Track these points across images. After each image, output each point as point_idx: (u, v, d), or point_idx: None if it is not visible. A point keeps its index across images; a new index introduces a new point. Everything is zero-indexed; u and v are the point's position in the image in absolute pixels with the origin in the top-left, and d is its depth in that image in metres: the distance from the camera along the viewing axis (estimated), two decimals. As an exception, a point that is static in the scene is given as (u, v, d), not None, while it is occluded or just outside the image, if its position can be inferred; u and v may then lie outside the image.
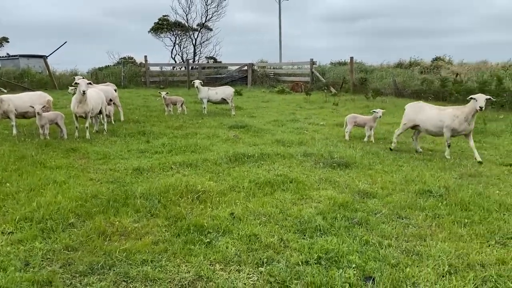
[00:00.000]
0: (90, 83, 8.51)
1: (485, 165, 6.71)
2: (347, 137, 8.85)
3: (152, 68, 26.64)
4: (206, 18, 40.85)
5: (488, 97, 6.90)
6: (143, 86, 25.15)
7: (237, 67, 28.44)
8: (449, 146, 7.30)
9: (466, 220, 4.39)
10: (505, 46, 58.35)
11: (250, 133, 9.47)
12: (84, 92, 8.04)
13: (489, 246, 3.84)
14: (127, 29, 62.00)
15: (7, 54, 30.99)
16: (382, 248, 3.76)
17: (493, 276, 3.27)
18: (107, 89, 10.74)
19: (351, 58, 21.18)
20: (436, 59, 31.86)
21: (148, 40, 59.78)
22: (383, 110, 8.93)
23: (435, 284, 3.18)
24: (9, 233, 3.90)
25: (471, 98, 6.95)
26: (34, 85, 22.93)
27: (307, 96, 17.66)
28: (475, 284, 3.18)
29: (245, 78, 27.78)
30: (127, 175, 5.83)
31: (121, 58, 36.74)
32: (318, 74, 23.44)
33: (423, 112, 7.60)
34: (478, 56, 48.72)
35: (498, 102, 12.54)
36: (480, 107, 6.72)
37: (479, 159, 6.93)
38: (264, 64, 29.82)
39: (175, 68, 31.70)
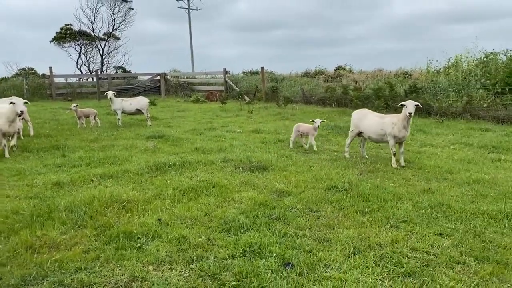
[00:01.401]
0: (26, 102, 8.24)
1: (381, 162, 7.65)
2: (291, 145, 9.14)
3: (57, 80, 25.27)
4: (113, 27, 39.80)
5: (417, 103, 7.22)
6: (48, 98, 23.78)
7: (149, 77, 28.10)
8: (394, 155, 7.40)
9: (366, 209, 5.09)
10: (398, 54, 64.61)
11: (168, 143, 9.63)
12: (22, 113, 7.80)
13: (385, 229, 4.54)
14: (25, 39, 57.74)
15: None
16: (298, 238, 4.27)
17: (388, 253, 3.92)
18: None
19: (262, 68, 22.12)
20: (339, 68, 34.46)
21: (49, 50, 56.36)
22: (322, 120, 9.18)
23: (343, 264, 3.74)
24: None
25: (401, 104, 7.28)
26: None
27: (223, 105, 18.14)
28: (374, 261, 3.79)
29: (158, 88, 27.53)
30: (47, 189, 5.74)
31: (21, 69, 34.35)
32: (231, 83, 24.08)
33: (366, 119, 7.81)
34: (375, 65, 53.31)
35: (391, 106, 14.10)
36: (409, 113, 6.99)
37: (403, 164, 7.34)
38: (177, 74, 29.83)
39: (82, 79, 30.33)
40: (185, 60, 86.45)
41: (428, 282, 3.42)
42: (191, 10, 45.21)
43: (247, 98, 21.38)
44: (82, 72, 38.27)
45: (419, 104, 7.33)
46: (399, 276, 3.54)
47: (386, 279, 3.49)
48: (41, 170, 6.78)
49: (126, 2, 40.33)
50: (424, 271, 3.61)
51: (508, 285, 3.42)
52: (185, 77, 29.57)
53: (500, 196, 5.58)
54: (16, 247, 3.92)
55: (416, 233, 4.41)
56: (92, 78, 27.67)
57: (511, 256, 3.88)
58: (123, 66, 40.73)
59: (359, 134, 8.08)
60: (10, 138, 8.29)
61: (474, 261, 3.81)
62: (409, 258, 3.86)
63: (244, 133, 11.33)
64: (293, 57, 70.69)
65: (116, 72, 38.17)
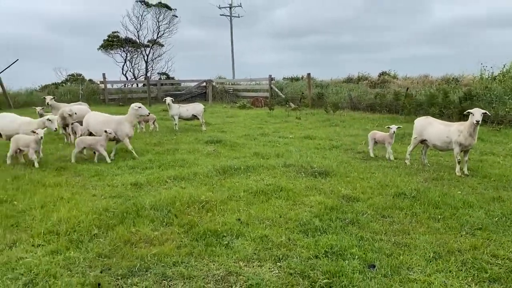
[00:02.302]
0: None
1: (444, 170, 7.63)
2: (371, 154, 8.96)
3: (109, 86, 26.44)
4: (157, 34, 41.06)
5: (484, 111, 7.09)
6: (101, 103, 24.90)
7: (196, 83, 28.86)
8: (458, 163, 7.32)
9: (439, 216, 5.15)
10: (441, 60, 62.91)
11: (227, 147, 9.95)
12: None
13: (462, 236, 4.59)
14: (73, 46, 60.61)
15: None
16: (376, 242, 4.41)
17: (469, 259, 3.99)
18: (84, 108, 10.89)
19: (308, 74, 22.25)
20: (383, 73, 33.97)
21: (96, 56, 58.69)
22: (398, 126, 8.95)
23: (426, 267, 3.85)
24: (38, 246, 4.17)
25: (468, 112, 7.21)
26: (-14, 105, 22.13)
27: (270, 111, 18.39)
28: (456, 266, 3.88)
29: (203, 94, 28.23)
30: (127, 189, 6.14)
31: (69, 75, 36.02)
32: (277, 90, 24.35)
33: (431, 127, 7.75)
34: (418, 70, 52.23)
35: (445, 113, 13.88)
36: (476, 120, 6.93)
37: (466, 172, 7.28)
38: (222, 80, 30.45)
39: (132, 85, 31.55)
40: (225, 66, 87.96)
41: (515, 288, 3.47)
42: (233, 17, 46.10)
43: (292, 105, 21.56)
44: (127, 78, 39.72)
45: (487, 112, 7.27)
46: (485, 281, 3.61)
47: (472, 284, 3.57)
48: (117, 172, 7.23)
49: (171, 9, 41.59)
50: (509, 277, 3.66)
51: None
52: (230, 83, 30.12)
53: None
54: (115, 241, 4.28)
55: (494, 241, 4.44)
56: (144, 84, 28.67)
57: None
58: (166, 72, 41.95)
59: (422, 141, 8.04)
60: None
61: (560, 270, 3.82)
62: (491, 264, 3.92)
63: (296, 139, 11.51)
64: (332, 63, 70.36)
65: (160, 78, 39.31)
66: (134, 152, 8.48)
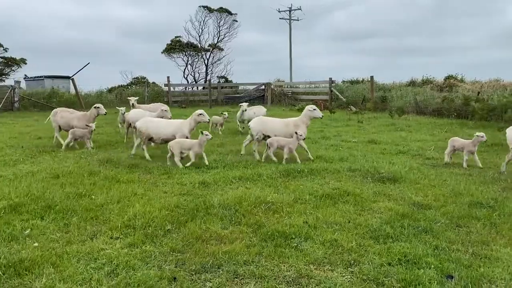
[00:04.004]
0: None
1: (524, 180, 7.11)
2: (446, 159, 8.59)
3: (172, 88, 27.43)
4: (218, 39, 41.97)
5: None
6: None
7: (255, 86, 29.17)
8: None
9: (522, 228, 4.81)
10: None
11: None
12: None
13: (549, 250, 4.25)
14: (138, 50, 63.56)
15: (25, 75, 31.92)
16: (452, 252, 4.19)
17: (560, 276, 3.68)
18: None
19: (371, 77, 21.78)
20: (448, 77, 32.35)
21: (159, 60, 61.14)
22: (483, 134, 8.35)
23: (511, 281, 3.60)
24: (117, 238, 4.39)
25: None
26: (62, 105, 23.70)
27: (331, 114, 18.15)
28: (545, 282, 3.59)
29: (262, 97, 28.46)
30: (195, 188, 6.31)
31: (134, 78, 37.72)
32: (337, 93, 24.02)
33: None
34: (488, 74, 49.19)
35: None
36: None
37: None
38: (281, 83, 30.51)
39: (193, 88, 32.52)
40: (283, 69, 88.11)
41: None
42: (292, 21, 46.10)
43: (353, 108, 21.15)
44: (188, 81, 40.95)
45: None
46: None
47: None
48: (184, 171, 7.46)
49: (231, 14, 42.40)
50: None
51: None
52: (289, 86, 30.13)
53: None
54: (187, 237, 4.41)
55: None
56: (204, 87, 29.45)
57: None
58: (225, 76, 42.77)
59: None
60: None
61: None
62: None
63: (360, 143, 11.25)
64: (394, 66, 68.28)
65: (219, 81, 40.13)
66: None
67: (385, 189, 6.45)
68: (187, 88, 32.86)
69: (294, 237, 4.49)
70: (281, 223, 4.87)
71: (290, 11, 46.18)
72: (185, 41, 41.76)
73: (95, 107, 10.23)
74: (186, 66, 41.78)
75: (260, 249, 4.18)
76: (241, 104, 13.49)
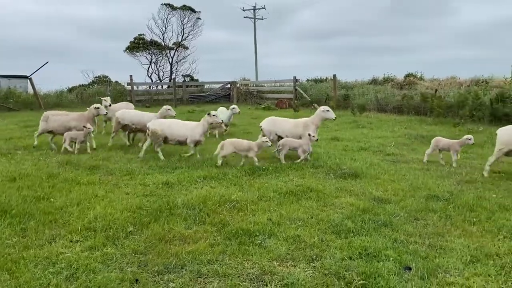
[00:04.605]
0: None
1: (478, 173, 7.45)
2: (426, 159, 8.49)
3: (135, 87, 26.90)
4: (182, 37, 41.60)
5: None
6: (128, 104, 25.37)
7: (220, 85, 29.08)
8: None
9: (474, 219, 5.04)
10: (469, 62, 61.49)
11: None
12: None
13: (499, 240, 4.47)
14: (99, 48, 62.00)
15: None
16: (410, 244, 4.34)
17: (508, 263, 3.89)
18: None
19: (334, 76, 22.14)
20: (408, 75, 33.42)
21: (122, 59, 59.90)
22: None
23: (463, 271, 3.77)
24: (77, 241, 4.28)
25: None
26: (19, 105, 22.86)
27: (295, 112, 18.36)
28: (495, 270, 3.78)
29: (228, 95, 28.43)
30: (159, 188, 6.23)
31: (96, 77, 36.82)
32: (301, 91, 24.30)
33: None
34: (445, 73, 51.11)
35: (476, 115, 13.56)
36: None
37: None
38: (246, 82, 30.55)
39: (157, 87, 32.04)
40: (249, 68, 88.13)
41: (559, 294, 3.37)
42: (256, 20, 46.23)
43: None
44: (152, 80, 40.31)
45: None
46: (526, 286, 3.51)
47: (512, 288, 3.48)
48: (147, 171, 7.35)
49: (195, 12, 42.11)
50: (553, 283, 3.55)
51: None
52: (254, 85, 30.21)
53: None
54: (150, 238, 4.36)
55: (534, 245, 4.31)
56: (169, 86, 29.07)
57: None
58: (190, 74, 42.44)
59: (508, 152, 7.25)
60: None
61: None
62: (533, 269, 3.80)
63: (323, 141, 11.43)
64: (356, 65, 69.79)
65: (184, 80, 39.76)
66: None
67: (346, 185, 6.59)
68: (151, 87, 32.35)
69: (258, 234, 4.52)
70: (245, 221, 4.89)
71: (254, 10, 46.28)
72: (149, 39, 41.14)
73: (95, 108, 9.57)
74: (150, 64, 41.20)
75: (224, 248, 4.19)
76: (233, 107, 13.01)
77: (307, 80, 34.14)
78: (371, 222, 4.94)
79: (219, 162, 7.86)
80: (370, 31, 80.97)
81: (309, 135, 8.27)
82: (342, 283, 3.52)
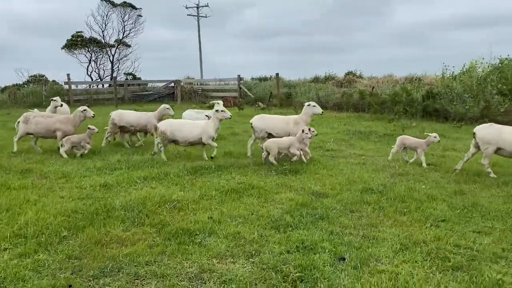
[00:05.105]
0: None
1: (409, 166, 7.90)
2: (390, 157, 8.45)
3: (73, 86, 25.79)
4: (123, 34, 40.42)
5: None
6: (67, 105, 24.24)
7: (164, 83, 28.57)
8: None
9: (405, 210, 5.35)
10: (405, 60, 64.80)
11: (198, 147, 9.92)
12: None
13: (426, 228, 4.78)
14: (34, 46, 58.68)
15: None
16: (345, 236, 4.53)
17: (434, 249, 4.17)
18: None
19: (277, 74, 22.48)
20: (348, 73, 34.63)
21: (59, 57, 57.09)
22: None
23: (393, 259, 3.99)
24: (5, 249, 4.05)
25: None
26: None
27: (240, 110, 18.45)
28: (422, 256, 4.04)
29: (172, 94, 27.99)
30: (96, 191, 6.04)
31: (31, 76, 34.89)
32: (246, 90, 24.45)
33: (507, 134, 7.07)
34: (384, 71, 53.56)
35: (409, 111, 14.33)
36: None
37: None
38: (191, 81, 30.26)
39: (97, 86, 30.87)
40: (194, 67, 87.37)
41: (476, 275, 3.65)
42: (200, 18, 45.85)
43: (261, 104, 21.71)
44: (92, 79, 38.83)
45: None
46: (448, 270, 3.78)
47: (436, 272, 3.73)
48: (85, 173, 7.09)
49: (136, 9, 41.03)
50: (470, 265, 3.85)
51: (553, 277, 3.62)
52: (199, 83, 29.99)
53: (531, 197, 5.81)
54: (85, 243, 4.22)
55: (456, 231, 4.65)
56: (110, 85, 28.12)
57: (550, 252, 4.10)
58: (133, 73, 41.30)
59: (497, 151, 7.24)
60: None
61: (517, 256, 4.04)
62: (454, 254, 4.10)
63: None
64: (301, 63, 71.17)
65: (127, 78, 38.65)
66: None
67: (287, 180, 6.74)
68: (91, 86, 31.12)
69: (198, 233, 4.52)
70: (186, 221, 4.87)
71: (197, 7, 45.82)
72: (88, 37, 39.53)
73: (82, 111, 9.00)
74: (90, 63, 39.64)
75: (163, 248, 4.14)
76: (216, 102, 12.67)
77: (252, 78, 34.41)
78: (309, 216, 5.09)
79: (274, 162, 7.75)
80: (313, 30, 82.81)
81: (303, 131, 8.14)
82: (279, 277, 3.61)
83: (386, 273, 3.70)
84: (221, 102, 10.66)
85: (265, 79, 33.26)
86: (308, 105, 8.88)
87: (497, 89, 14.33)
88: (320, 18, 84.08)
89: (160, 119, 10.07)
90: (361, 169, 7.59)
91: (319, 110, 8.91)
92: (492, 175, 7.15)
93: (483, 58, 17.13)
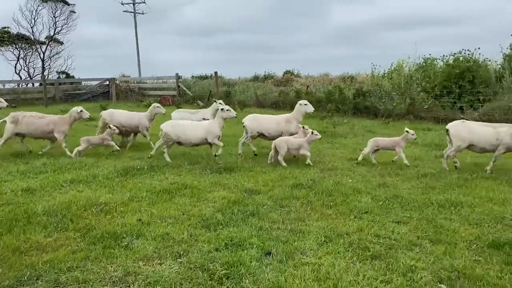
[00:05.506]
0: None
1: (339, 161, 8.23)
2: (360, 158, 8.25)
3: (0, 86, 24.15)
4: (54, 30, 38.35)
5: None
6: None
7: (98, 82, 27.50)
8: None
9: (331, 203, 5.57)
10: (341, 59, 67.23)
11: (133, 147, 9.70)
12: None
13: (350, 220, 5.01)
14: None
15: None
16: (274, 231, 4.64)
17: (356, 240, 4.38)
18: None
19: (215, 72, 22.37)
20: (287, 72, 35.39)
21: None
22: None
23: (317, 251, 4.15)
24: None
25: None
26: None
27: (178, 109, 18.18)
28: (344, 247, 4.24)
29: (107, 93, 27.02)
30: (17, 196, 5.70)
31: None
32: (184, 88, 24.16)
33: (477, 131, 7.42)
34: (321, 69, 55.24)
35: (341, 109, 14.91)
36: None
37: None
38: (127, 79, 29.38)
39: (27, 85, 29.06)
40: (132, 65, 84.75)
41: (392, 263, 3.89)
42: (137, 14, 44.61)
43: (200, 103, 21.58)
44: (21, 78, 36.49)
45: None
46: (367, 259, 3.99)
47: (356, 262, 3.93)
48: (6, 178, 6.66)
49: (68, 5, 39.06)
50: (388, 254, 4.09)
51: (459, 261, 3.95)
52: (135, 82, 29.18)
53: (446, 188, 6.28)
54: (2, 251, 3.98)
55: (377, 222, 4.92)
56: (40, 84, 26.59)
57: (459, 238, 4.47)
58: (66, 71, 39.28)
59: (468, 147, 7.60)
60: None
61: (429, 243, 4.36)
62: (374, 243, 4.34)
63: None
64: (241, 62, 71.69)
65: (59, 77, 36.72)
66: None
67: (221, 179, 6.78)
68: (20, 85, 29.21)
69: (125, 236, 4.42)
70: (113, 224, 4.74)
71: (134, 3, 44.51)
72: (15, 33, 37.00)
73: (78, 111, 8.77)
74: (18, 60, 37.09)
75: (87, 253, 4.01)
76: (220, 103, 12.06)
77: (192, 76, 34.14)
78: (240, 213, 5.15)
79: (283, 163, 7.78)
80: (254, 29, 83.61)
81: (303, 127, 8.33)
82: (206, 275, 3.63)
83: (310, 265, 3.84)
84: (221, 102, 10.49)
85: (205, 77, 33.09)
86: (300, 104, 8.99)
87: (421, 87, 15.29)
88: (261, 17, 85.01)
89: (152, 119, 10.02)
90: (294, 165, 7.80)
91: (311, 108, 8.98)
92: (456, 164, 7.65)
93: (409, 58, 18.21)
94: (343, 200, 5.72)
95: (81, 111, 8.84)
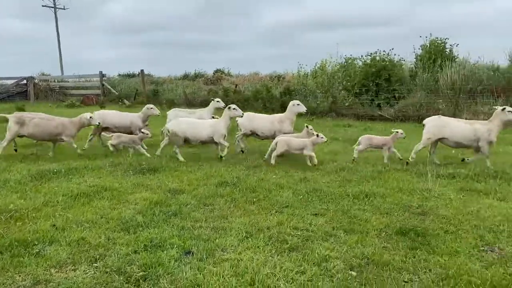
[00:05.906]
0: None
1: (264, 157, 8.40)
2: (355, 155, 8.14)
3: None
4: (-37, 24, 35.12)
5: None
6: None
7: (14, 81, 25.61)
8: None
9: (254, 199, 5.68)
10: (270, 59, 68.54)
11: (48, 149, 9.17)
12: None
13: (271, 214, 5.14)
14: None
15: None
16: (196, 230, 4.64)
17: (275, 234, 4.51)
18: None
19: (142, 70, 21.84)
20: (217, 71, 35.42)
21: None
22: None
23: (238, 247, 4.21)
24: None
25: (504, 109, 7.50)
26: None
27: (102, 108, 17.47)
28: (264, 241, 4.34)
29: (24, 92, 25.27)
30: None
31: None
32: (109, 87, 23.28)
33: (451, 126, 7.74)
34: (251, 68, 55.91)
35: (269, 107, 15.21)
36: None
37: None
38: (47, 77, 27.67)
39: None
40: (53, 63, 79.92)
41: (308, 253, 4.06)
42: (57, 9, 42.21)
43: (127, 102, 20.93)
44: None
45: None
46: (285, 251, 4.13)
47: (275, 255, 4.04)
48: None
49: (-22, -4, 35.99)
50: (305, 245, 4.26)
51: (369, 249, 4.21)
52: (56, 80, 27.59)
53: (361, 180, 6.66)
54: None
55: (296, 215, 5.10)
56: None
57: (371, 227, 4.76)
58: (-23, 68, 36.19)
59: (438, 141, 7.94)
60: None
61: (343, 233, 4.60)
62: (292, 236, 4.49)
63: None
64: (171, 60, 70.47)
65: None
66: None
67: (144, 180, 6.64)
68: None
69: (37, 243, 4.18)
70: (23, 231, 4.47)
71: (54, -2, 42.02)
72: None
73: (88, 118, 8.75)
74: None
75: (-8, 264, 3.75)
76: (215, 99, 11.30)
77: (119, 75, 33.02)
78: (162, 214, 5.08)
79: (273, 161, 7.79)
80: (184, 27, 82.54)
81: (307, 127, 8.53)
82: (122, 278, 3.54)
83: (229, 261, 3.89)
84: (219, 99, 10.78)
85: (132, 75, 32.15)
86: (293, 104, 9.17)
87: (342, 86, 16.03)
88: (191, 15, 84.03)
89: (145, 120, 9.94)
90: (220, 163, 7.84)
91: (303, 108, 9.22)
92: (411, 158, 7.91)
93: (331, 57, 19.00)
94: (266, 195, 5.85)
95: (91, 117, 8.81)
